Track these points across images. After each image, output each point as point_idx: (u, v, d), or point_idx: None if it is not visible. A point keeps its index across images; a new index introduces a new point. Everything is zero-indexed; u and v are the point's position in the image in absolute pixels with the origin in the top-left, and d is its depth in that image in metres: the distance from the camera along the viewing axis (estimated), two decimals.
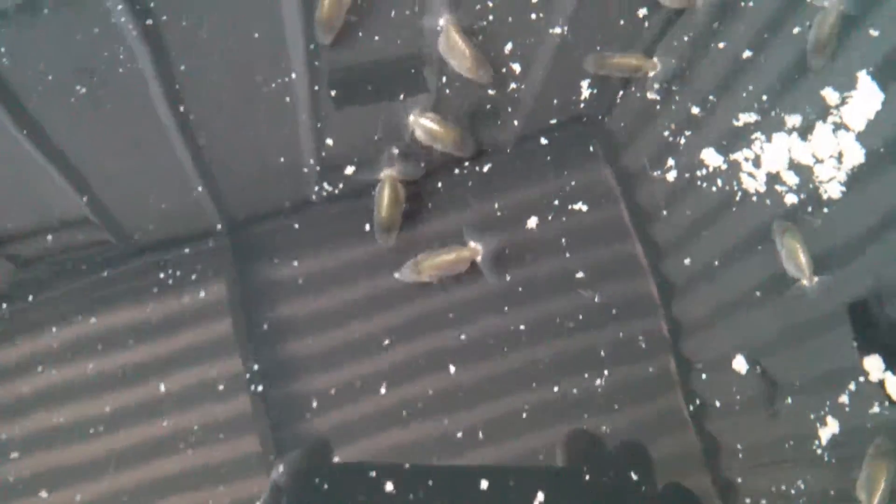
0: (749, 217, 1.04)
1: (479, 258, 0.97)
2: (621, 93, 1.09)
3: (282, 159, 1.03)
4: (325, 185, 1.03)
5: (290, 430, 0.93)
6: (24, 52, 1.05)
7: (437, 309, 0.98)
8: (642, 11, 1.11)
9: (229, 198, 1.02)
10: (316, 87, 1.06)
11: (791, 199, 1.05)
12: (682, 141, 1.07)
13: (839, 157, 1.07)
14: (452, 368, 0.96)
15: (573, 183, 1.04)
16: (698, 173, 1.06)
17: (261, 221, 1.02)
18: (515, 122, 1.06)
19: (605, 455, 0.92)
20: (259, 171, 1.02)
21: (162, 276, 0.98)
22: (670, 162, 1.06)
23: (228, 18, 1.07)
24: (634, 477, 0.91)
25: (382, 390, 0.94)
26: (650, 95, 1.08)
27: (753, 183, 1.05)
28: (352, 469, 0.90)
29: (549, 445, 0.93)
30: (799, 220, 1.03)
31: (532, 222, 1.01)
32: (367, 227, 1.00)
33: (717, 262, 1.03)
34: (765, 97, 1.09)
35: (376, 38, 1.08)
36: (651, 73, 1.07)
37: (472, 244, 0.97)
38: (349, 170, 1.02)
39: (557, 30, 1.10)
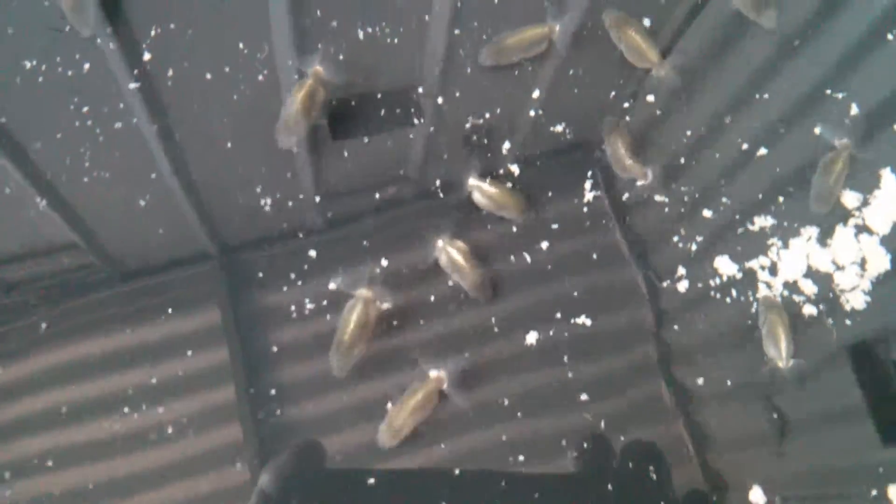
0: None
1: (554, 35, 1.00)
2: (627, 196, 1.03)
3: (277, 190, 0.99)
4: (320, 212, 0.99)
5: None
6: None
7: (429, 331, 0.95)
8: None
9: (222, 224, 0.99)
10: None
11: (810, 310, 0.98)
12: (694, 248, 1.00)
13: (862, 264, 1.00)
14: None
15: (576, 293, 0.98)
16: (711, 283, 0.99)
17: (254, 246, 0.98)
18: None
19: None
20: (252, 199, 0.99)
21: (152, 300, 0.95)
22: (681, 271, 0.99)
23: (219, 51, 1.03)
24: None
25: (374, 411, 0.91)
26: (658, 198, 1.02)
27: (770, 293, 0.98)
28: (340, 475, 0.88)
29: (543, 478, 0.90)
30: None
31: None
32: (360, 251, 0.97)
33: (730, 382, 0.96)
34: (781, 198, 1.02)
35: (371, 69, 1.04)
36: (554, 38, 1.02)
37: (434, 373, 0.91)
38: (332, 285, 0.95)
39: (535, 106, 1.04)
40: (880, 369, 0.95)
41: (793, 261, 0.99)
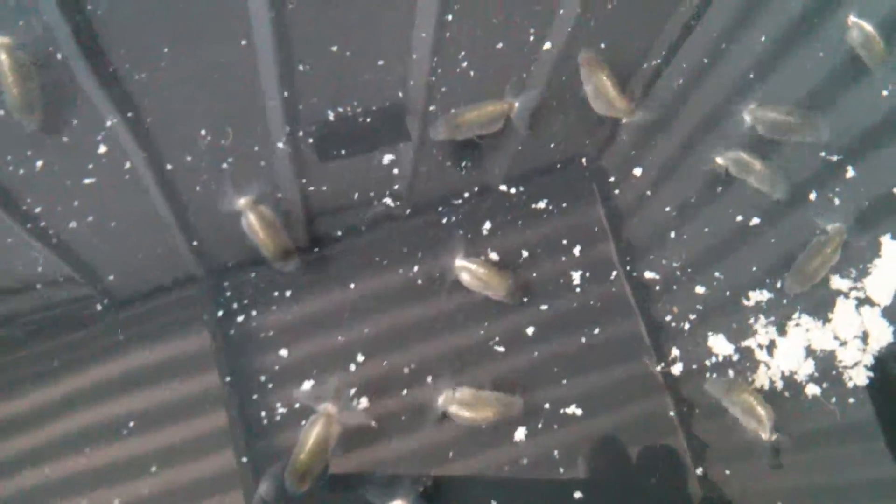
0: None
1: (513, 113, 0.97)
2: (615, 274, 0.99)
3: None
4: (307, 233, 0.98)
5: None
6: None
7: (419, 352, 0.93)
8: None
9: (210, 249, 0.97)
10: (295, 139, 1.00)
11: (812, 389, 0.94)
12: (687, 326, 0.96)
13: (864, 338, 0.96)
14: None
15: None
16: (706, 363, 0.95)
17: (242, 269, 0.96)
18: None
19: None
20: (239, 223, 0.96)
21: (142, 328, 0.93)
22: (675, 352, 0.95)
23: (203, 76, 1.01)
24: None
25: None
26: (647, 275, 0.98)
27: (767, 373, 0.94)
28: (338, 482, 0.88)
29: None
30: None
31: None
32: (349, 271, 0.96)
33: (728, 471, 0.92)
34: (776, 274, 0.98)
35: (356, 88, 1.02)
36: (512, 115, 0.98)
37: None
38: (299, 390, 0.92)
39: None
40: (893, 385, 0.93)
41: (792, 338, 0.95)
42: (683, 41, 1.08)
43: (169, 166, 0.98)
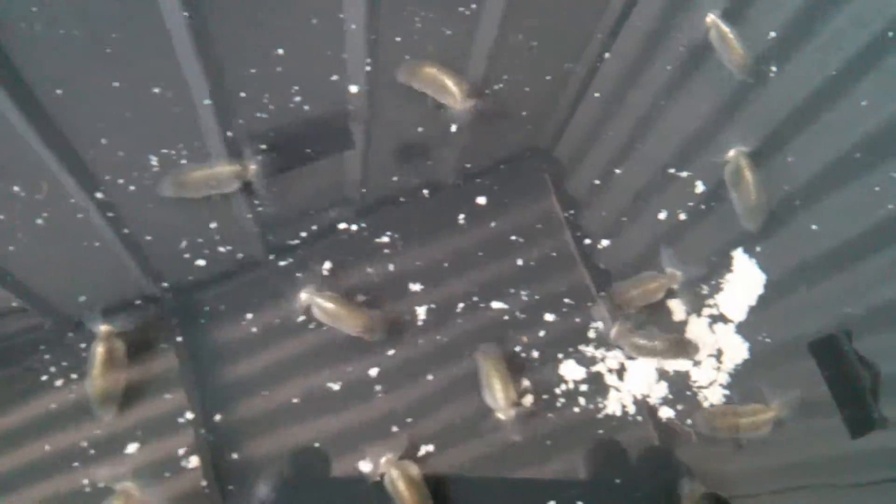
0: (616, 436, 0.91)
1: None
2: None
3: (217, 230, 0.96)
4: (267, 245, 0.97)
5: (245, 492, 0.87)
6: None
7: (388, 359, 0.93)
8: None
9: (166, 267, 0.96)
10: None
11: (666, 412, 0.92)
12: (536, 355, 0.95)
13: (718, 356, 0.94)
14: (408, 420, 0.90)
15: None
16: (557, 391, 0.93)
17: (203, 285, 0.95)
18: None
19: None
20: (197, 238, 0.96)
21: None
22: (525, 384, 0.93)
23: (139, 97, 1.00)
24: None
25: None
26: (495, 304, 0.97)
27: (619, 397, 0.92)
28: (334, 483, 0.88)
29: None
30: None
31: None
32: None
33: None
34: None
35: (296, 98, 1.01)
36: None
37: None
38: None
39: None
40: (844, 363, 0.92)
41: (642, 361, 0.94)
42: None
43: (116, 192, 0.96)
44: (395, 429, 0.90)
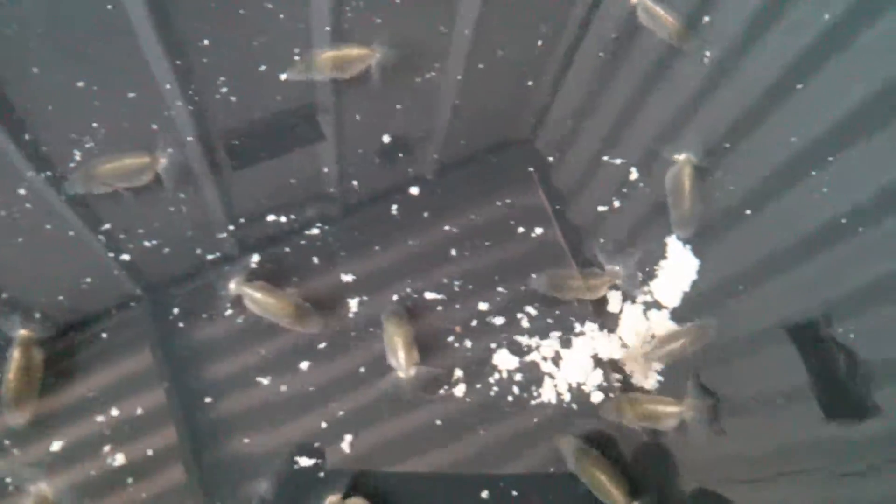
0: (549, 430, 0.89)
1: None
2: None
3: (188, 229, 0.96)
4: (239, 240, 0.96)
5: (231, 494, 0.85)
6: None
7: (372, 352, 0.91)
8: None
9: (143, 267, 0.94)
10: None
11: (598, 397, 0.91)
12: (469, 344, 0.93)
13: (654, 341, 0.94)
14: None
15: None
16: (490, 379, 0.91)
17: (178, 282, 0.94)
18: None
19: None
20: (170, 237, 0.95)
21: (85, 353, 0.90)
22: (458, 374, 0.92)
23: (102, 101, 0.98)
24: None
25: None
26: (429, 294, 0.96)
27: (553, 384, 0.91)
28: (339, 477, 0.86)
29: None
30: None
31: None
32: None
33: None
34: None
35: (263, 94, 1.01)
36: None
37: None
38: None
39: None
40: (822, 347, 0.91)
41: (577, 349, 0.93)
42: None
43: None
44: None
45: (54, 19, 1.01)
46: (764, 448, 0.90)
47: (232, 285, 0.91)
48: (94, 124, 0.97)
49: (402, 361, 0.87)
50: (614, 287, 0.95)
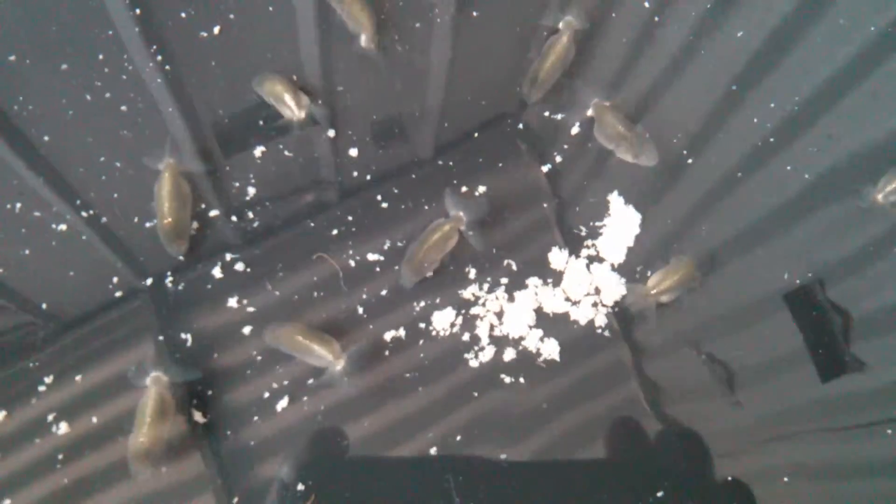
0: (498, 382, 0.89)
1: (462, 227, 0.92)
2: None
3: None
4: (238, 229, 0.95)
5: (245, 478, 0.86)
6: None
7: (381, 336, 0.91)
8: None
9: (143, 258, 0.94)
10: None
11: (550, 349, 0.90)
12: (418, 307, 0.92)
13: (597, 295, 0.93)
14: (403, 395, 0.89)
15: None
16: (432, 332, 0.91)
17: (181, 273, 0.93)
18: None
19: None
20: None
21: (88, 348, 0.89)
22: (401, 331, 0.91)
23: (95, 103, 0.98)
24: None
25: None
26: (371, 255, 0.95)
27: (497, 339, 0.90)
28: (357, 462, 0.87)
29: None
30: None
31: None
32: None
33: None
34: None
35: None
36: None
37: (454, 214, 0.93)
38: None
39: None
40: (818, 310, 0.93)
41: (521, 303, 0.92)
42: None
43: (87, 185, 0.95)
44: None
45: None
46: (764, 411, 0.90)
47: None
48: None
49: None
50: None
